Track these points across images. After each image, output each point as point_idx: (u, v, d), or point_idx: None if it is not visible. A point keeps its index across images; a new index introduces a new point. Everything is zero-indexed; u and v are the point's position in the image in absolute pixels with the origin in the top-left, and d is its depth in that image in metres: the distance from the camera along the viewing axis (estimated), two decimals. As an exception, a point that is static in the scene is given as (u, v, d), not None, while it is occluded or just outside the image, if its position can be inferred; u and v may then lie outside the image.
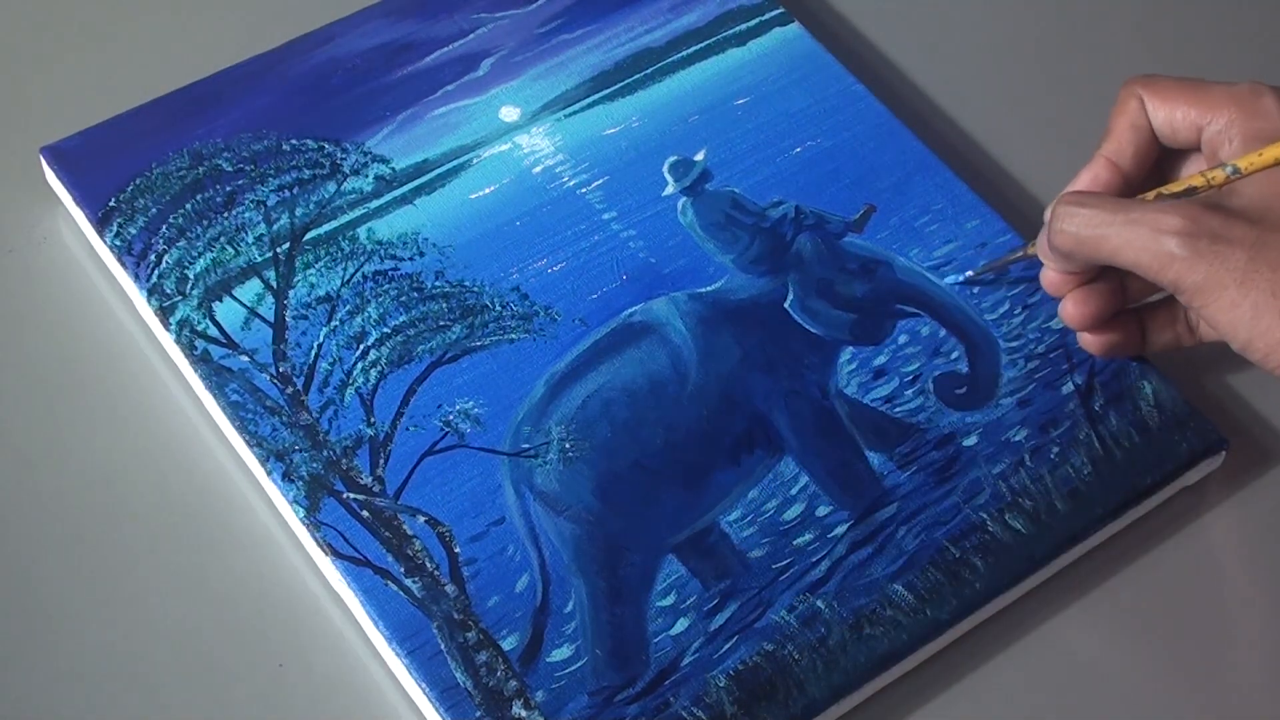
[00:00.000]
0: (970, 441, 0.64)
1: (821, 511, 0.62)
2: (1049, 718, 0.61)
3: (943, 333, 0.67)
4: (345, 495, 0.61)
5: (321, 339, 0.65)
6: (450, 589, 0.60)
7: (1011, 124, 0.77)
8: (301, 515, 0.61)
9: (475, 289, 0.67)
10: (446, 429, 0.63)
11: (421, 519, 0.61)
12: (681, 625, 0.60)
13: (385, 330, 0.66)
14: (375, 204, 0.69)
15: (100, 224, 0.68)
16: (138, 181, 0.69)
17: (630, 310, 0.67)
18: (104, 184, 0.69)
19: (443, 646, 0.58)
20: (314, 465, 0.62)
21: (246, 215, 0.68)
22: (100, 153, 0.70)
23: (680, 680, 0.58)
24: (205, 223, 0.68)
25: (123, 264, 0.67)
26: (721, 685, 0.58)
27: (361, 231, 0.68)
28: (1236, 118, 0.61)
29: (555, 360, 0.65)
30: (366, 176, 0.70)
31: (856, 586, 0.60)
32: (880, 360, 0.66)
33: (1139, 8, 0.83)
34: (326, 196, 0.69)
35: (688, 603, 0.60)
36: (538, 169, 0.71)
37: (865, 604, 0.60)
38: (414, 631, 0.59)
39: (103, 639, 0.60)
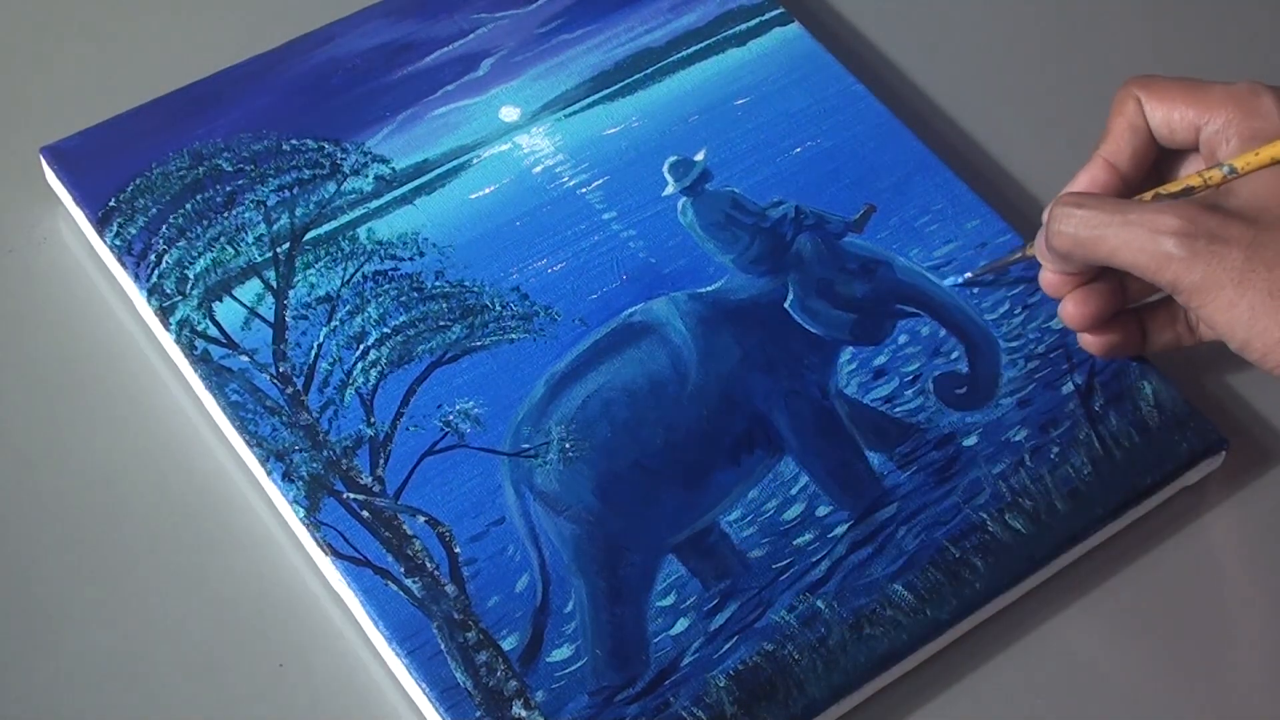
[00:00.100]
0: (970, 441, 0.64)
1: (821, 511, 0.62)
2: (1049, 718, 0.61)
3: (943, 333, 0.67)
4: (345, 495, 0.61)
5: (321, 339, 0.65)
6: (450, 589, 0.60)
7: (1011, 124, 0.77)
8: (301, 515, 0.61)
9: (475, 289, 0.67)
10: (446, 429, 0.63)
11: (421, 519, 0.61)
12: (681, 625, 0.60)
13: (385, 330, 0.66)
14: (375, 204, 0.69)
15: (100, 224, 0.68)
16: (138, 181, 0.69)
17: (630, 310, 0.67)
18: (104, 184, 0.69)
19: (443, 646, 0.58)
20: (314, 465, 0.62)
21: (246, 215, 0.68)
22: (100, 153, 0.70)
23: (680, 680, 0.58)
24: (205, 223, 0.68)
25: (123, 264, 0.67)
26: (721, 685, 0.58)
27: (361, 231, 0.68)
28: (1234, 118, 0.61)
29: (555, 360, 0.65)
30: (366, 176, 0.70)
31: (856, 586, 0.60)
32: (880, 360, 0.66)
33: (1139, 8, 0.83)
34: (326, 196, 0.69)
35: (688, 603, 0.60)
36: (538, 169, 0.71)
37: (865, 604, 0.60)
38: (414, 631, 0.59)
39: (103, 639, 0.60)
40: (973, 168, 0.75)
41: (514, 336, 0.66)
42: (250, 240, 0.68)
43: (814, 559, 0.61)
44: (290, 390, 0.64)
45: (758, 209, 0.70)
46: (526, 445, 0.63)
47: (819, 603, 0.60)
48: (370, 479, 0.62)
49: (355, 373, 0.65)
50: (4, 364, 0.67)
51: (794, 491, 0.63)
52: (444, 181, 0.70)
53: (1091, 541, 0.63)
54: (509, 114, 0.73)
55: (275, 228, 0.68)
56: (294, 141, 0.71)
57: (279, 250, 0.68)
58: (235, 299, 0.66)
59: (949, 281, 0.68)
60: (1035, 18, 0.82)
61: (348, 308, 0.66)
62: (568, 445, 0.63)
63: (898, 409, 0.65)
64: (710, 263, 0.69)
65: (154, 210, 0.68)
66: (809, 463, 0.63)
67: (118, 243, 0.67)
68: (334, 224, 0.69)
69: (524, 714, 0.57)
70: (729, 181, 0.71)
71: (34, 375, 0.67)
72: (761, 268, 0.68)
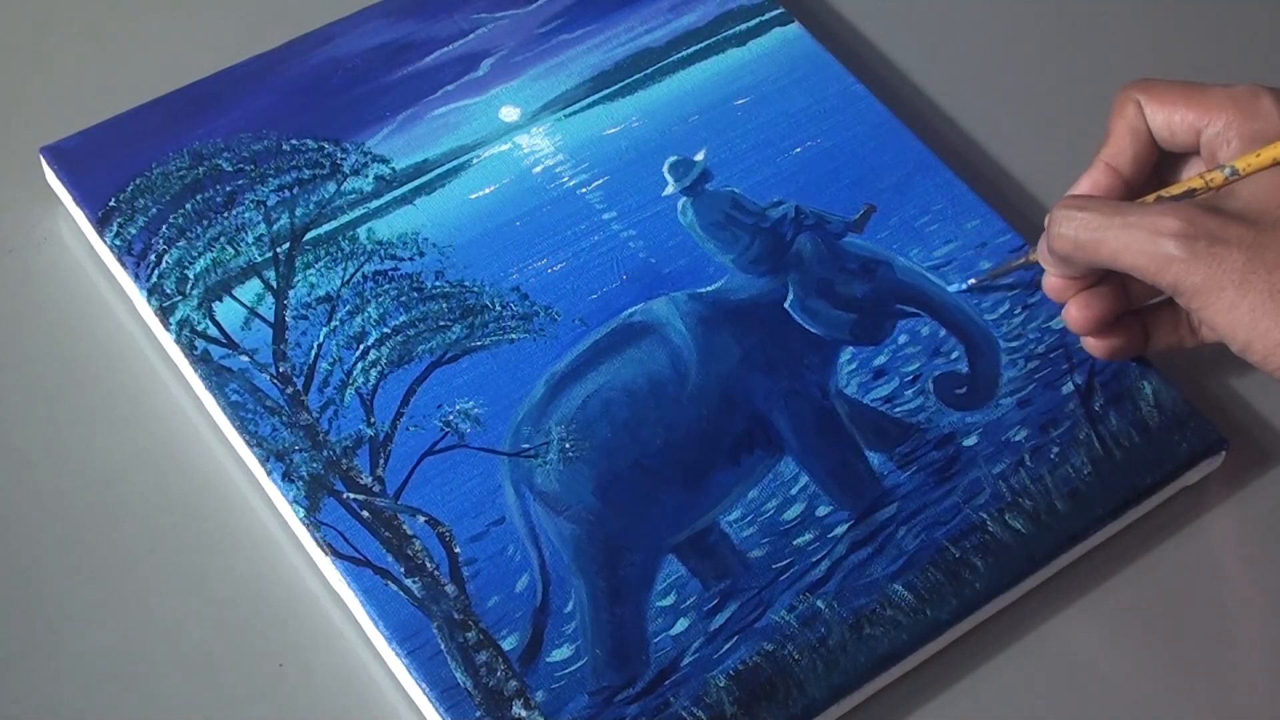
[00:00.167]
0: (970, 441, 0.64)
1: (821, 511, 0.62)
2: (1049, 718, 0.61)
3: (943, 333, 0.67)
4: (345, 495, 0.61)
5: (321, 339, 0.65)
6: (450, 589, 0.60)
7: (1011, 124, 0.77)
8: (301, 515, 0.61)
9: (475, 289, 0.67)
10: (446, 429, 0.63)
11: (421, 519, 0.61)
12: (681, 625, 0.60)
13: (385, 330, 0.66)
14: (375, 204, 0.69)
15: (100, 224, 0.68)
16: (138, 181, 0.69)
17: (630, 310, 0.67)
18: (104, 184, 0.69)
19: (443, 646, 0.58)
20: (314, 465, 0.62)
21: (246, 215, 0.68)
22: (100, 153, 0.70)
23: (680, 680, 0.58)
24: (205, 223, 0.68)
25: (123, 264, 0.67)
26: (721, 685, 0.58)
27: (361, 231, 0.68)
28: (1234, 120, 0.61)
29: (555, 360, 0.65)
30: (366, 176, 0.70)
31: (856, 586, 0.60)
32: (880, 360, 0.66)
33: (1139, 8, 0.83)
34: (326, 196, 0.69)
35: (688, 603, 0.60)
36: (538, 169, 0.71)
37: (865, 604, 0.60)
38: (414, 631, 0.59)
39: (103, 639, 0.60)
40: (973, 168, 0.75)
41: (514, 336, 0.66)
42: (250, 240, 0.68)
43: (814, 559, 0.61)
44: (290, 390, 0.64)
45: (758, 209, 0.70)
46: (526, 445, 0.63)
47: (819, 603, 0.60)
48: (370, 479, 0.62)
49: (355, 373, 0.65)
50: (4, 364, 0.67)
51: (794, 491, 0.63)
52: (444, 181, 0.70)
53: (1091, 541, 0.63)
54: (509, 114, 0.73)
55: (275, 228, 0.68)
56: (294, 141, 0.71)
57: (279, 250, 0.68)
58: (235, 299, 0.66)
59: (953, 288, 0.68)
60: (1035, 18, 0.82)
61: (348, 308, 0.66)
62: (568, 445, 0.63)
63: (898, 409, 0.65)
64: (710, 263, 0.69)
65: (154, 210, 0.68)
66: (809, 463, 0.63)
67: (118, 243, 0.67)
68: (334, 224, 0.69)
69: (524, 714, 0.57)
70: (729, 181, 0.71)
71: (34, 375, 0.67)
72: (761, 268, 0.68)
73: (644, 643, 0.59)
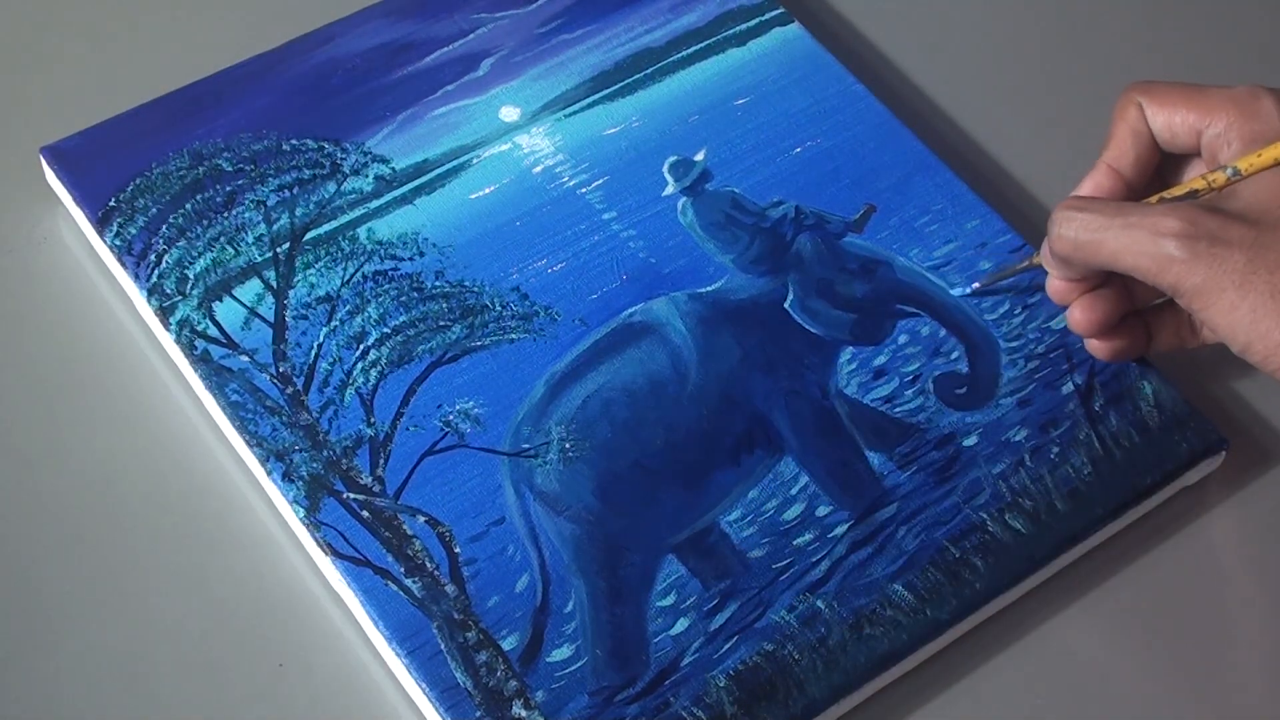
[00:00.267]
0: (970, 441, 0.64)
1: (821, 511, 0.62)
2: (1049, 718, 0.61)
3: (943, 333, 0.67)
4: (345, 495, 0.61)
5: (321, 339, 0.65)
6: (450, 589, 0.60)
7: (1011, 124, 0.77)
8: (301, 515, 0.61)
9: (475, 289, 0.67)
10: (446, 429, 0.63)
11: (421, 519, 0.61)
12: (681, 625, 0.60)
13: (385, 330, 0.66)
14: (375, 204, 0.69)
15: (100, 224, 0.68)
16: (138, 181, 0.69)
17: (630, 310, 0.67)
18: (104, 184, 0.69)
19: (443, 646, 0.58)
20: (314, 465, 0.62)
21: (246, 215, 0.68)
22: (100, 153, 0.70)
23: (680, 680, 0.58)
24: (205, 223, 0.68)
25: (123, 264, 0.67)
26: (721, 685, 0.58)
27: (361, 231, 0.68)
28: (1235, 121, 0.61)
29: (555, 360, 0.65)
30: (366, 176, 0.70)
31: (856, 586, 0.60)
32: (880, 360, 0.66)
33: (1139, 8, 0.83)
34: (326, 196, 0.69)
35: (688, 603, 0.60)
36: (538, 169, 0.71)
37: (865, 604, 0.60)
38: (414, 631, 0.59)
39: (103, 639, 0.60)
40: (973, 168, 0.75)
41: (514, 336, 0.66)
42: (250, 240, 0.68)
43: (814, 559, 0.61)
44: (290, 390, 0.64)
45: (758, 209, 0.70)
46: (526, 445, 0.63)
47: (819, 603, 0.60)
48: (370, 479, 0.62)
49: (355, 373, 0.65)
50: (4, 364, 0.67)
51: (794, 491, 0.63)
52: (444, 181, 0.70)
53: (1091, 541, 0.63)
54: (509, 114, 0.73)
55: (275, 228, 0.68)
56: (294, 141, 0.71)
57: (279, 250, 0.68)
58: (235, 299, 0.66)
59: (956, 291, 0.68)
60: (1035, 18, 0.82)
61: (348, 308, 0.66)
62: (568, 445, 0.63)
63: (898, 409, 0.65)
64: (710, 263, 0.69)
65: (154, 210, 0.68)
66: (809, 463, 0.63)
67: (118, 243, 0.67)
68: (334, 224, 0.69)
69: (524, 714, 0.57)
70: (729, 181, 0.71)
71: (34, 375, 0.67)
72: (761, 268, 0.68)
73: (644, 643, 0.59)
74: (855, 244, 0.69)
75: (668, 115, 0.73)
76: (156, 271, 0.67)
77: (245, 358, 0.64)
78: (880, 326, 0.67)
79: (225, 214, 0.68)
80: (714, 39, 0.76)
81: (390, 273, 0.67)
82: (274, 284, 0.67)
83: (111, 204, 0.68)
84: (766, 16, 0.77)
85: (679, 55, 0.75)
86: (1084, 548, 0.63)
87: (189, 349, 0.65)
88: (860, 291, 0.68)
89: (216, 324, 0.65)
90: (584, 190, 0.71)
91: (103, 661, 0.60)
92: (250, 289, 0.66)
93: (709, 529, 0.62)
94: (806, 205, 0.70)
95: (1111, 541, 0.64)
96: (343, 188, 0.70)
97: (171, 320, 0.65)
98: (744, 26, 0.76)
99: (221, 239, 0.68)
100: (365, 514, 0.61)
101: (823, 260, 0.69)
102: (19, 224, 0.71)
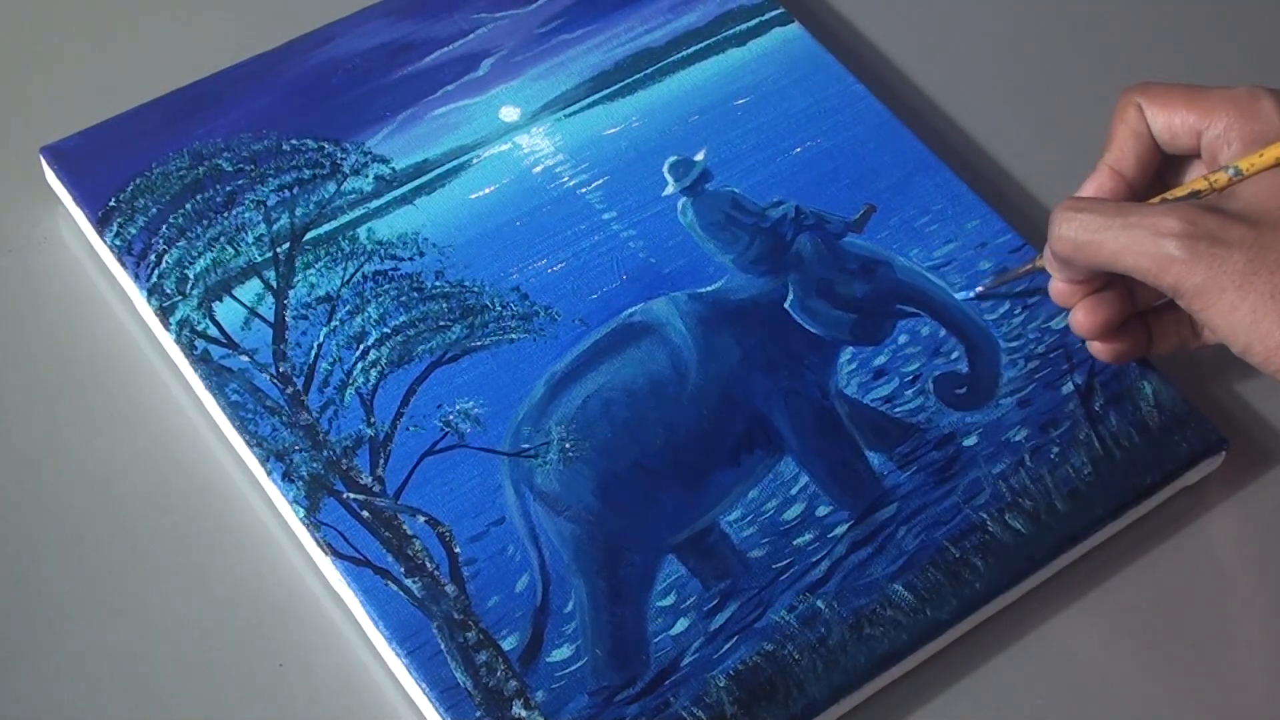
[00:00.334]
0: (970, 441, 0.64)
1: (821, 511, 0.62)
2: (1049, 718, 0.61)
3: (943, 333, 0.67)
4: (345, 495, 0.61)
5: (321, 339, 0.65)
6: (450, 589, 0.60)
7: (1011, 124, 0.77)
8: (301, 515, 0.61)
9: (475, 289, 0.67)
10: (446, 429, 0.63)
11: (421, 519, 0.61)
12: (681, 625, 0.60)
13: (385, 330, 0.66)
14: (375, 204, 0.69)
15: (100, 224, 0.68)
16: (138, 181, 0.69)
17: (630, 310, 0.67)
18: (104, 184, 0.69)
19: (443, 646, 0.58)
20: (314, 465, 0.62)
21: (246, 215, 0.68)
22: (100, 153, 0.70)
23: (680, 680, 0.58)
24: (205, 223, 0.68)
25: (123, 264, 0.67)
26: (721, 685, 0.58)
27: (361, 231, 0.68)
28: (1235, 121, 0.61)
29: (555, 360, 0.65)
30: (366, 176, 0.70)
31: (856, 586, 0.60)
32: (880, 360, 0.66)
33: (1138, 8, 0.83)
34: (326, 196, 0.69)
35: (688, 603, 0.60)
36: (538, 169, 0.71)
37: (865, 604, 0.60)
38: (414, 631, 0.59)
39: (103, 639, 0.60)
40: (973, 168, 0.75)
41: (514, 336, 0.66)
42: (250, 240, 0.68)
43: (814, 559, 0.61)
44: (290, 390, 0.64)
45: (758, 209, 0.70)
46: (526, 445, 0.63)
47: (819, 603, 0.60)
48: (370, 479, 0.62)
49: (355, 373, 0.65)
50: (4, 364, 0.67)
51: (794, 491, 0.63)
52: (444, 181, 0.70)
53: (1091, 541, 0.63)
54: (509, 114, 0.73)
55: (275, 228, 0.68)
56: (294, 141, 0.71)
57: (279, 250, 0.68)
58: (235, 299, 0.66)
59: (960, 295, 0.68)
60: (1035, 18, 0.82)
61: (348, 308, 0.66)
62: (568, 445, 0.63)
63: (898, 409, 0.65)
64: (710, 263, 0.69)
65: (154, 210, 0.68)
66: (809, 463, 0.63)
67: (118, 243, 0.67)
68: (334, 224, 0.69)
69: (524, 714, 0.57)
70: (729, 181, 0.71)
71: (34, 375, 0.67)
72: (761, 268, 0.68)
73: (644, 643, 0.59)
74: (855, 244, 0.69)
75: (668, 115, 0.73)
76: (156, 271, 0.67)
77: (245, 358, 0.64)
78: (880, 326, 0.67)
79: (225, 214, 0.68)
80: (714, 39, 0.76)
81: (390, 273, 0.67)
82: (274, 284, 0.67)
83: (111, 204, 0.68)
84: (766, 16, 0.77)
85: (679, 55, 0.75)
86: (1084, 548, 0.63)
87: (189, 349, 0.65)
88: (860, 291, 0.68)
89: (216, 324, 0.65)
90: (584, 190, 0.71)
91: (103, 661, 0.60)
92: (250, 289, 0.66)
93: (709, 529, 0.62)
94: (806, 205, 0.70)
95: (1111, 541, 0.64)
96: (343, 188, 0.70)
97: (171, 320, 0.65)
98: (744, 26, 0.76)
99: (221, 239, 0.68)
100: (365, 514, 0.61)
101: (823, 260, 0.69)
102: (19, 224, 0.71)
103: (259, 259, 0.67)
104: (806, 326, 0.67)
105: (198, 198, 0.69)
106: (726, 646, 0.59)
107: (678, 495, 0.62)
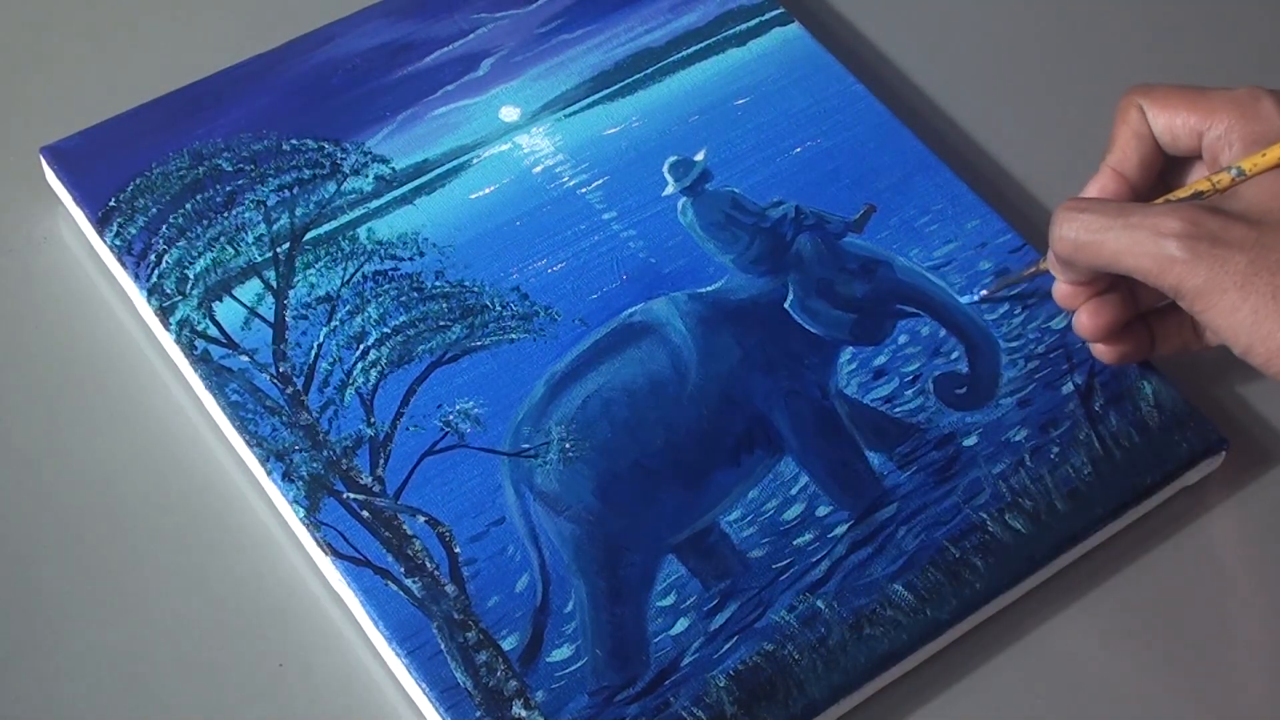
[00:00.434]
0: (970, 441, 0.64)
1: (821, 511, 0.62)
2: (1049, 718, 0.61)
3: (943, 333, 0.67)
4: (345, 495, 0.61)
5: (321, 339, 0.65)
6: (450, 589, 0.60)
7: (1011, 124, 0.77)
8: (301, 515, 0.61)
9: (475, 289, 0.67)
10: (446, 429, 0.63)
11: (421, 519, 0.61)
12: (681, 625, 0.60)
13: (385, 330, 0.66)
14: (375, 204, 0.69)
15: (100, 224, 0.68)
16: (138, 181, 0.69)
17: (630, 310, 0.67)
18: (104, 184, 0.69)
19: (443, 646, 0.58)
20: (314, 465, 0.62)
21: (246, 215, 0.68)
22: (100, 153, 0.70)
23: (680, 680, 0.58)
24: (205, 223, 0.68)
25: (123, 264, 0.67)
26: (721, 685, 0.58)
27: (361, 231, 0.68)
28: (1236, 122, 0.61)
29: (555, 360, 0.65)
30: (366, 176, 0.70)
31: (856, 586, 0.60)
32: (880, 360, 0.66)
33: (1138, 8, 0.83)
34: (326, 196, 0.69)
35: (688, 603, 0.60)
36: (538, 169, 0.71)
37: (865, 604, 0.60)
38: (414, 631, 0.59)
39: (103, 639, 0.60)
40: (973, 168, 0.75)
41: (514, 336, 0.66)
42: (250, 240, 0.68)
43: (814, 559, 0.61)
44: (290, 390, 0.64)
45: (758, 209, 0.70)
46: (526, 445, 0.63)
47: (819, 603, 0.60)
48: (370, 479, 0.62)
49: (355, 373, 0.65)
50: (4, 364, 0.67)
51: (794, 491, 0.63)
52: (444, 181, 0.70)
53: (1091, 541, 0.63)
54: (509, 114, 0.73)
55: (275, 228, 0.68)
56: (294, 141, 0.71)
57: (279, 250, 0.68)
58: (235, 299, 0.66)
59: (965, 299, 0.68)
60: (1035, 18, 0.82)
61: (348, 308, 0.66)
62: (568, 445, 0.63)
63: (898, 409, 0.65)
64: (710, 263, 0.69)
65: (154, 210, 0.68)
66: (809, 463, 0.63)
67: (118, 243, 0.67)
68: (334, 224, 0.69)
69: (524, 714, 0.57)
70: (729, 181, 0.71)
71: (34, 375, 0.67)
72: (761, 268, 0.68)
73: (644, 643, 0.59)
74: (855, 244, 0.69)
75: (668, 115, 0.73)
76: (156, 271, 0.67)
77: (245, 358, 0.64)
78: (880, 326, 0.67)
79: (225, 214, 0.68)
80: (714, 39, 0.76)
81: (390, 273, 0.67)
82: (274, 284, 0.67)
83: (111, 204, 0.68)
84: (766, 16, 0.77)
85: (679, 55, 0.75)
86: (1084, 548, 0.63)
87: (189, 349, 0.65)
88: (860, 291, 0.68)
89: (216, 324, 0.65)
90: (584, 190, 0.71)
91: (103, 661, 0.60)
92: (250, 289, 0.66)
93: (709, 529, 0.62)
94: (806, 205, 0.70)
95: (1111, 541, 0.64)
96: (343, 188, 0.70)
97: (171, 320, 0.65)
98: (744, 26, 0.76)
99: (221, 239, 0.68)
100: (365, 514, 0.61)
101: (823, 260, 0.69)
102: (19, 224, 0.71)
103: (259, 259, 0.67)
104: (806, 326, 0.67)
105: (198, 198, 0.69)
106: (726, 646, 0.59)
107: (678, 495, 0.62)
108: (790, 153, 0.72)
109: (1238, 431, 0.67)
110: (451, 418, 0.64)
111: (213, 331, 0.65)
